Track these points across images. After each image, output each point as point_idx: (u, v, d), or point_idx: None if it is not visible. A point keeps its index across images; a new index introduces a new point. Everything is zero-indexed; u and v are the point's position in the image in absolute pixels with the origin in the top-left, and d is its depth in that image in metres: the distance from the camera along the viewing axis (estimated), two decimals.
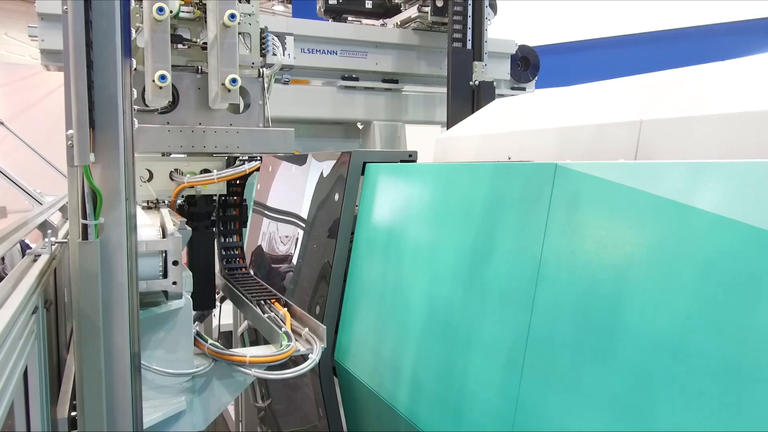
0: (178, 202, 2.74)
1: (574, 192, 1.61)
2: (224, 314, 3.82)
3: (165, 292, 1.80)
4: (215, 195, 2.89)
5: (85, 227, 1.36)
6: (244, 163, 2.65)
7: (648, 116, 1.89)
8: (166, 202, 2.70)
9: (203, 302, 2.74)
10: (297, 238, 3.08)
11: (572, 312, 1.54)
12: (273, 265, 3.32)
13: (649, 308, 1.36)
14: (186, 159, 2.74)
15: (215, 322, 4.14)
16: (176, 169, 2.70)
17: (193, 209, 2.77)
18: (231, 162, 2.78)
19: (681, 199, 1.33)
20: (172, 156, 2.76)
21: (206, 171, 2.71)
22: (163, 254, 1.76)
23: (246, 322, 3.87)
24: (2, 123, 6.28)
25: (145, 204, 2.72)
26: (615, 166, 1.54)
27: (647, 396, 1.33)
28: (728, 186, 1.26)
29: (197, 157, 2.74)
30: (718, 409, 1.19)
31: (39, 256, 1.82)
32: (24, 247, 3.70)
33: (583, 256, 1.55)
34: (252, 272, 3.30)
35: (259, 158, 2.72)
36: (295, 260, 3.03)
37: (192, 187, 2.65)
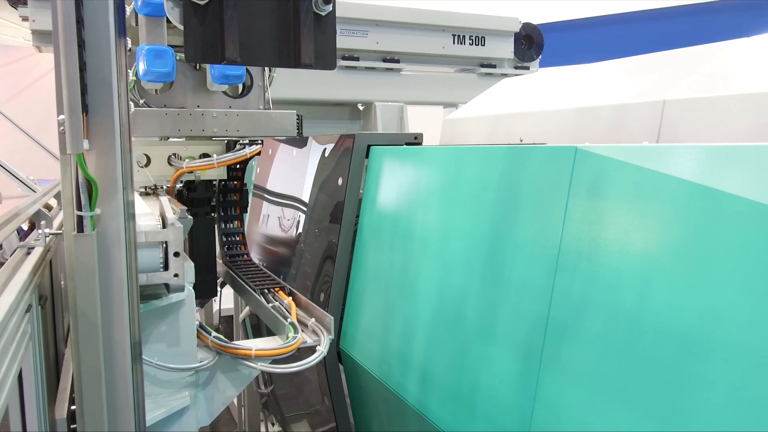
0: (177, 187, 2.66)
1: (595, 177, 1.53)
2: (225, 299, 3.76)
3: (166, 285, 1.73)
4: (215, 180, 2.80)
5: (80, 219, 1.28)
6: (244, 147, 2.55)
7: (671, 96, 1.80)
8: (165, 187, 2.62)
9: (205, 291, 2.68)
10: (299, 224, 3.01)
11: (594, 303, 1.48)
12: (275, 251, 3.25)
13: (677, 299, 1.29)
14: (184, 143, 2.63)
15: (216, 307, 4.09)
16: (174, 154, 2.60)
17: (193, 195, 2.68)
18: (231, 146, 2.69)
19: (710, 184, 1.26)
20: (170, 140, 2.67)
21: (205, 155, 2.61)
22: (164, 245, 1.68)
23: (247, 308, 3.81)
24: None
25: (143, 190, 2.63)
26: (639, 149, 1.46)
27: (675, 393, 1.26)
28: (759, 170, 1.19)
29: (196, 141, 2.64)
30: (753, 408, 1.13)
31: (33, 248, 1.74)
32: (21, 233, 3.62)
33: (606, 244, 1.47)
34: (253, 258, 3.23)
35: (260, 142, 2.61)
36: (297, 246, 2.96)
37: (191, 172, 2.55)
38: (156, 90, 2.44)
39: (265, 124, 2.55)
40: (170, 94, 2.43)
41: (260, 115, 2.53)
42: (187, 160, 2.54)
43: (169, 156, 2.60)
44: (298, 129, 2.60)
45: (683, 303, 1.28)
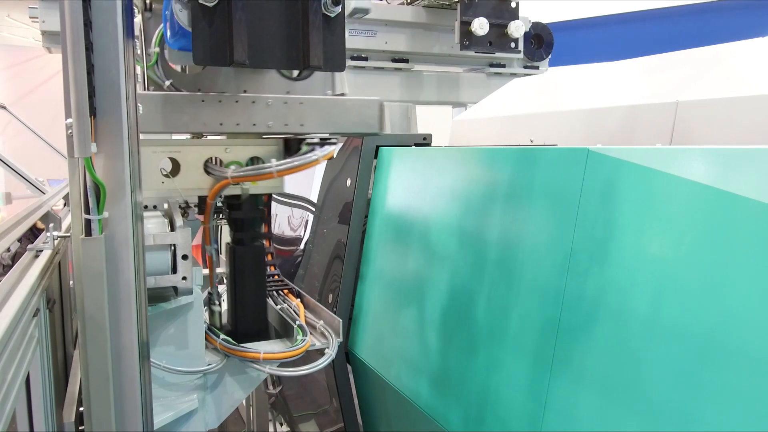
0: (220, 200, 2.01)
1: (607, 179, 1.51)
2: None
3: (174, 288, 1.72)
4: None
5: (88, 223, 1.27)
6: (314, 149, 1.80)
7: (684, 97, 1.78)
8: (195, 204, 2.00)
9: (254, 336, 2.07)
10: (307, 224, 3.00)
11: (606, 307, 1.46)
12: (283, 252, 3.24)
13: (690, 303, 1.27)
14: (225, 142, 1.94)
15: (224, 307, 4.07)
16: (212, 158, 1.89)
17: (237, 215, 1.99)
18: (293, 147, 1.94)
19: (724, 187, 1.24)
20: (206, 138, 2.07)
21: (256, 160, 1.93)
22: (172, 248, 1.67)
23: None
24: (4, 107, 6.20)
25: (166, 207, 1.97)
26: (652, 151, 1.44)
27: (687, 398, 1.24)
28: None
29: (242, 140, 1.93)
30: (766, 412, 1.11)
31: (41, 251, 1.73)
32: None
33: (618, 247, 1.45)
34: None
35: (335, 140, 1.88)
36: (306, 247, 2.95)
37: (237, 183, 1.86)
38: (185, 67, 1.88)
39: (338, 117, 1.85)
40: (206, 74, 1.78)
41: (332, 103, 1.84)
42: (233, 167, 1.85)
43: (206, 161, 1.88)
44: (381, 123, 1.93)
45: (696, 307, 1.26)
